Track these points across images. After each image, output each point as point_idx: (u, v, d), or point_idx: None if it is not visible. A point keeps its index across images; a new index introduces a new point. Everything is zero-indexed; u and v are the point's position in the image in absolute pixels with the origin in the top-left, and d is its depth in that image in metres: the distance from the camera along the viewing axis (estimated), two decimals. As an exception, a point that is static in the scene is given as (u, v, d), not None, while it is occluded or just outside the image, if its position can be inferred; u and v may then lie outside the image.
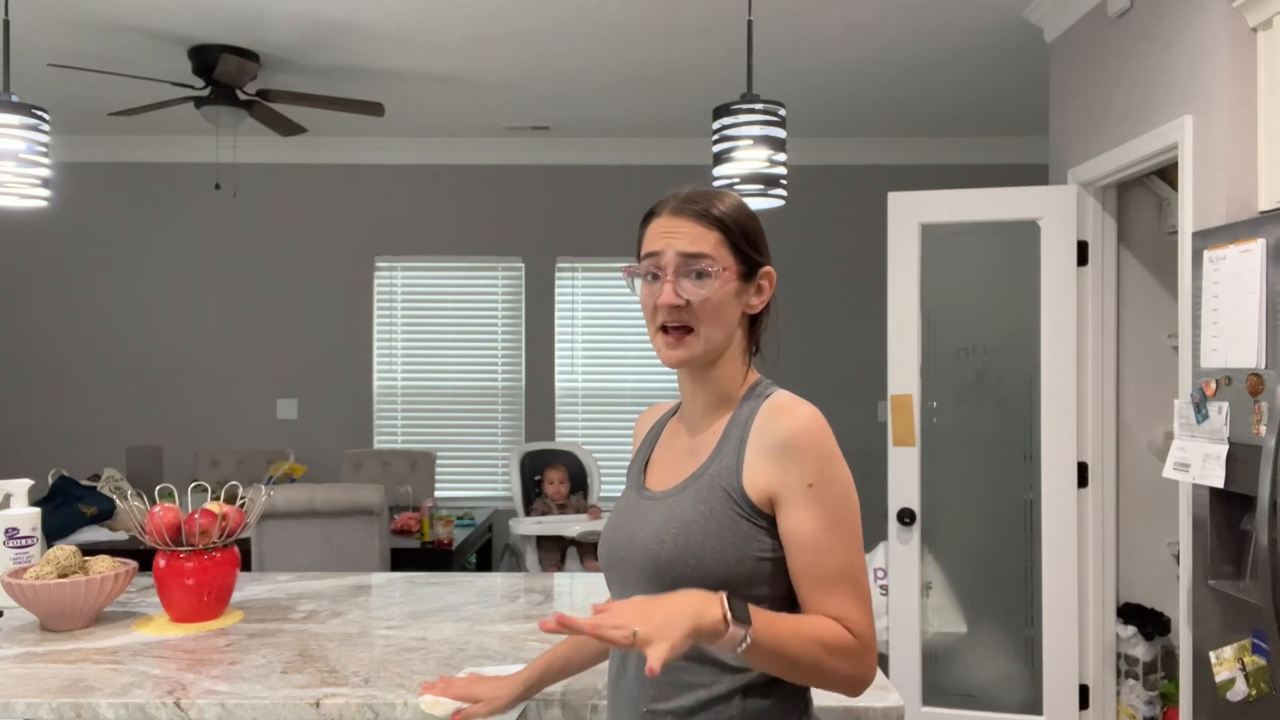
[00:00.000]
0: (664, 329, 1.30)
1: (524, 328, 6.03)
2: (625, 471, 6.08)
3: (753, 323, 1.36)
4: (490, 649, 1.92)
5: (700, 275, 1.27)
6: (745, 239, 1.31)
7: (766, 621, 1.14)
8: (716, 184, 2.41)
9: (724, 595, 1.13)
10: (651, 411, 1.54)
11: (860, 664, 1.21)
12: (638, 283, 1.34)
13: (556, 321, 6.02)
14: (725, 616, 1.10)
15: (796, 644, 1.16)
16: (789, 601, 1.27)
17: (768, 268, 1.33)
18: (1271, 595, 2.12)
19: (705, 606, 1.10)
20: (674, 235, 1.29)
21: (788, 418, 1.25)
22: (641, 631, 1.06)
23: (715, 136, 2.37)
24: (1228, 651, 2.31)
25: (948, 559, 3.66)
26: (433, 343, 6.05)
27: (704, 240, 1.28)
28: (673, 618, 1.08)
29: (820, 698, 1.65)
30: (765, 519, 1.25)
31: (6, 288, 6.00)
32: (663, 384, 6.01)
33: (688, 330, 1.29)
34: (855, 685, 1.22)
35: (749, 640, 1.11)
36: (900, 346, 3.63)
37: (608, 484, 5.89)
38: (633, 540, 1.30)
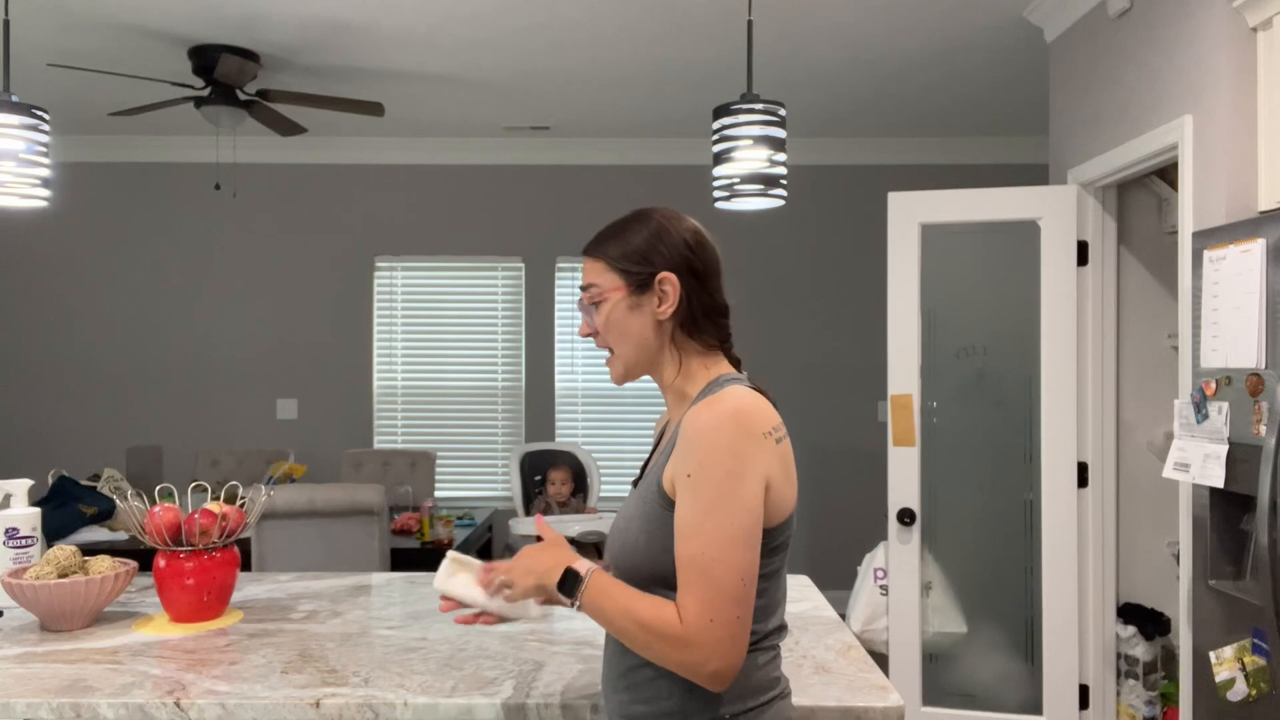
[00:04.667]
0: None
1: (524, 328, 6.03)
2: (625, 472, 6.09)
3: (689, 324, 1.39)
4: (490, 649, 1.92)
5: (594, 304, 1.41)
6: (625, 257, 1.38)
7: (600, 592, 1.30)
8: (716, 184, 2.41)
9: (569, 567, 1.32)
10: (665, 414, 1.58)
11: (682, 652, 1.23)
12: None
13: (556, 321, 6.02)
14: (559, 583, 1.33)
15: (618, 618, 1.28)
16: None
17: (663, 273, 1.37)
18: (1271, 595, 2.12)
19: (553, 572, 1.34)
20: (580, 276, 1.41)
21: (695, 412, 1.29)
22: (505, 578, 1.40)
23: (715, 136, 2.37)
24: (1228, 651, 2.31)
25: (948, 559, 3.66)
26: (433, 343, 6.05)
27: (590, 271, 1.41)
28: (527, 572, 1.38)
29: (820, 698, 1.65)
30: None
31: (6, 288, 6.00)
32: (663, 384, 6.01)
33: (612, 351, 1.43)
34: (687, 672, 1.24)
35: (578, 605, 1.31)
36: (900, 346, 3.63)
37: (607, 484, 5.89)
38: (611, 536, 1.42)
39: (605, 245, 1.40)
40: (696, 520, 1.24)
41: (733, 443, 1.25)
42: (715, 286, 1.42)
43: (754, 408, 1.30)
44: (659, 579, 1.30)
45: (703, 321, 1.40)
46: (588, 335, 1.43)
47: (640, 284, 1.38)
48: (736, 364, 1.47)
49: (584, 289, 1.42)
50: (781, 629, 1.39)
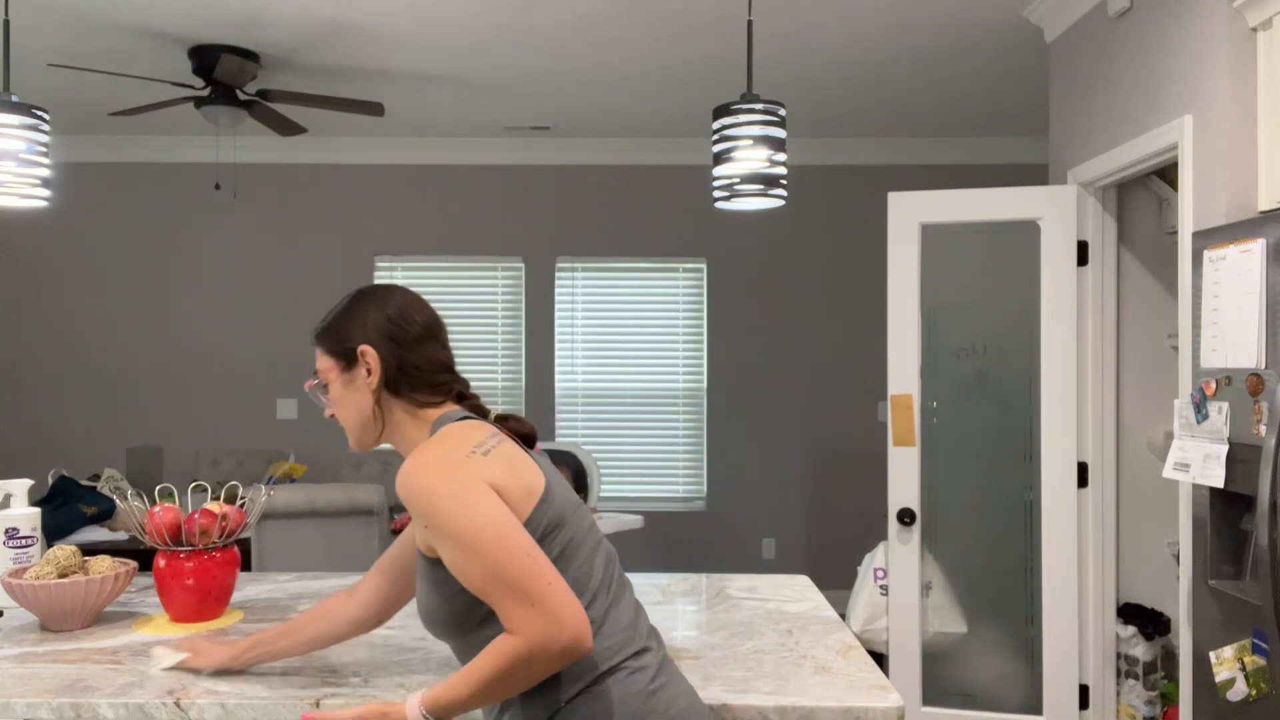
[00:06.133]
0: None
1: (524, 328, 6.03)
2: (625, 472, 6.09)
3: (392, 387, 1.50)
4: (490, 649, 1.92)
5: (323, 389, 1.56)
6: (332, 340, 1.53)
7: (444, 708, 1.33)
8: (716, 184, 2.41)
9: (413, 717, 1.33)
10: None
11: (541, 653, 1.27)
12: None
13: (556, 321, 6.02)
14: None
15: (478, 699, 1.32)
16: None
17: (360, 347, 1.50)
18: (1271, 595, 2.12)
19: None
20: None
21: (398, 476, 1.36)
22: None
23: (715, 136, 2.37)
24: (1228, 651, 2.31)
25: (948, 559, 3.66)
26: (433, 343, 6.05)
27: (318, 360, 1.56)
28: None
29: (820, 698, 1.65)
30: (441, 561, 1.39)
31: (7, 288, 6.00)
32: (662, 384, 6.01)
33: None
34: (561, 659, 1.28)
35: None
36: (900, 346, 3.63)
37: (607, 484, 5.89)
38: (418, 608, 1.49)
39: (320, 334, 1.55)
40: (460, 552, 1.31)
41: (439, 480, 1.33)
42: (424, 350, 1.51)
43: (446, 441, 1.39)
44: (458, 625, 1.40)
45: (411, 382, 1.50)
46: (329, 417, 1.56)
47: (348, 361, 1.51)
48: (479, 413, 1.54)
49: (315, 374, 1.57)
50: (591, 607, 1.40)
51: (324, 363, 1.54)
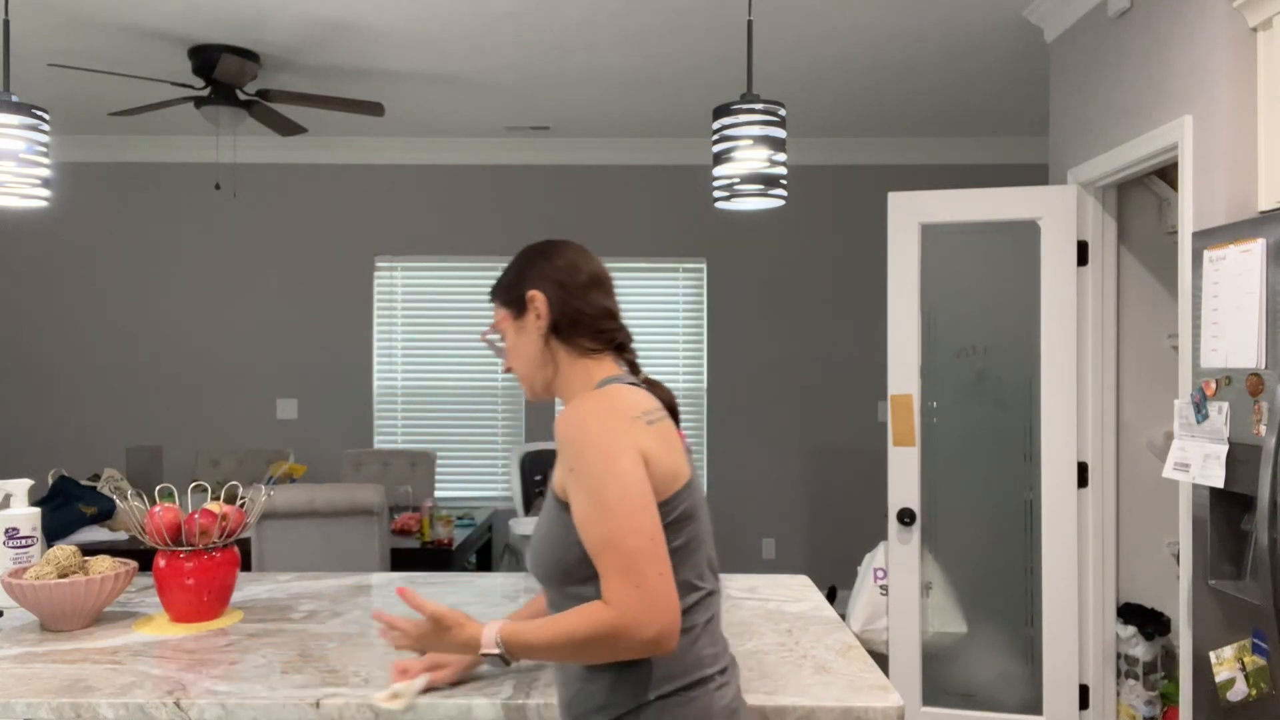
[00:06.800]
0: None
1: (524, 328, 6.02)
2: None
3: (559, 331, 1.53)
4: (490, 649, 1.92)
5: (501, 340, 1.60)
6: (504, 290, 1.58)
7: (521, 646, 1.38)
8: (716, 184, 2.41)
9: (481, 651, 1.43)
10: None
11: (625, 634, 1.29)
12: None
13: (556, 321, 6.01)
14: (485, 655, 1.42)
15: (553, 653, 1.35)
16: None
17: (531, 292, 1.54)
18: (1271, 595, 2.12)
19: (465, 650, 1.46)
20: None
21: (562, 414, 1.39)
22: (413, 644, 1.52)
23: (715, 136, 2.37)
24: (1228, 651, 2.31)
25: (948, 559, 3.66)
26: (433, 343, 6.06)
27: (495, 313, 1.61)
28: (447, 650, 1.49)
29: (820, 698, 1.65)
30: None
31: (6, 288, 6.00)
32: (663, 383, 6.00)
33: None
34: (638, 649, 1.30)
35: (510, 661, 1.42)
36: (900, 346, 3.63)
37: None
38: (529, 546, 1.52)
39: (495, 289, 1.60)
40: (591, 507, 1.32)
41: (598, 429, 1.35)
42: (590, 296, 1.54)
43: (619, 397, 1.40)
44: (565, 575, 1.40)
45: (577, 327, 1.53)
46: (507, 371, 1.60)
47: (519, 308, 1.55)
48: (633, 368, 1.58)
49: (491, 328, 1.62)
50: (699, 608, 1.41)
51: (499, 314, 1.58)
